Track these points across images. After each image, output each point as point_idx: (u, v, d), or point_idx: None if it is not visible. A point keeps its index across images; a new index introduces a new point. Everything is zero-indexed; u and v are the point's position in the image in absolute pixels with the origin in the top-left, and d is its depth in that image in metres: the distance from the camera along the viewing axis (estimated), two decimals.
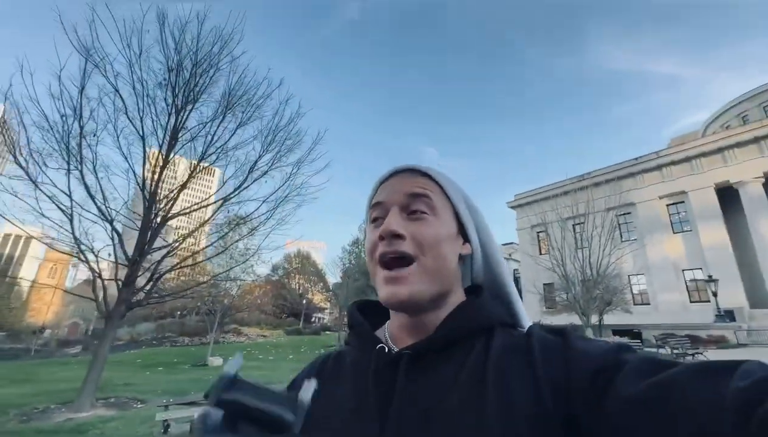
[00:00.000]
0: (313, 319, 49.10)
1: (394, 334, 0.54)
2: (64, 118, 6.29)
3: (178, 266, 7.35)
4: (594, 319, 19.56)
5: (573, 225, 24.66)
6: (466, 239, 0.57)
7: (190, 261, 7.64)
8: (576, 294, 18.83)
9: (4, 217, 5.73)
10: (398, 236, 0.50)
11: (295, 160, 8.10)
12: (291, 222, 8.67)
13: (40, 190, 5.87)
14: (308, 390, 0.36)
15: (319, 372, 0.56)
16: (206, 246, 7.79)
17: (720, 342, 18.99)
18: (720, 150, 25.45)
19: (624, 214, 29.39)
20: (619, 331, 23.37)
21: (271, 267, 44.51)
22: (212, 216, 7.62)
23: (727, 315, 21.25)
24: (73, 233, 5.96)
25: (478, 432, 0.38)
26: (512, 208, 36.69)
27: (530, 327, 0.50)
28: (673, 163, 27.38)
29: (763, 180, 23.74)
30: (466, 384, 0.43)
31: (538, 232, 34.13)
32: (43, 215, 5.99)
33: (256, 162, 7.67)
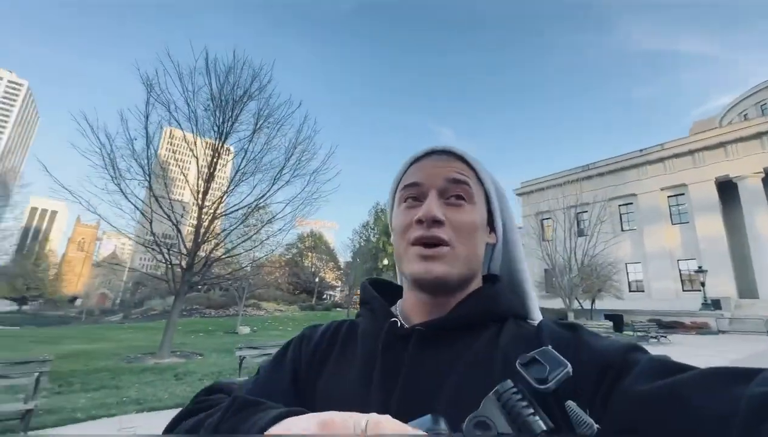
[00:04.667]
0: (324, 296, 50.56)
1: (406, 312, 0.54)
2: (133, 142, 8.31)
3: (226, 256, 9.53)
4: (578, 304, 21.30)
5: (576, 213, 26.06)
6: (492, 228, 0.57)
7: (231, 253, 9.89)
8: (562, 280, 20.52)
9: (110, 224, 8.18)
10: (438, 222, 0.49)
11: (312, 170, 10.04)
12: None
13: (130, 202, 7.95)
14: None
15: (332, 340, 0.55)
16: (243, 241, 9.90)
17: (702, 329, 20.01)
18: (722, 144, 25.86)
19: (626, 204, 30.31)
20: (610, 316, 24.28)
21: (285, 247, 46.59)
22: (247, 216, 9.64)
23: (713, 304, 22.47)
24: (152, 232, 8.02)
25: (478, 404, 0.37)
26: (519, 195, 37.83)
27: (542, 321, 0.50)
28: (676, 155, 27.82)
29: (763, 175, 24.32)
30: (472, 365, 0.43)
31: (542, 220, 34.87)
32: (133, 218, 8.22)
33: (280, 170, 9.62)
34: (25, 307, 44.75)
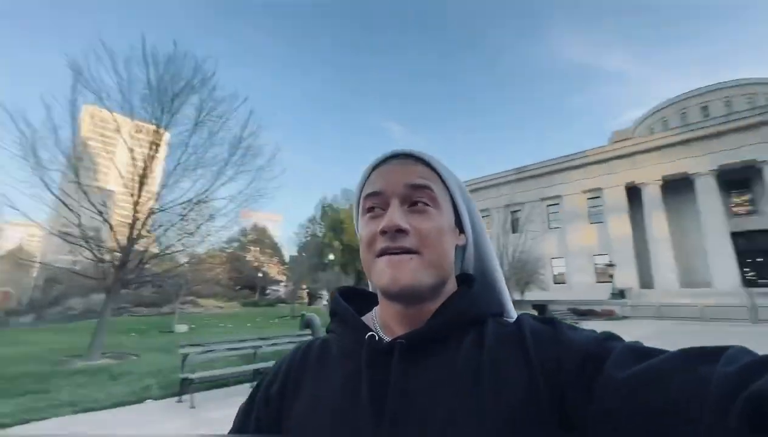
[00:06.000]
0: (267, 292, 48.79)
1: (384, 321, 0.52)
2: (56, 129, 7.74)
3: (164, 253, 9.11)
4: (516, 296, 23.42)
5: (511, 212, 28.38)
6: (461, 229, 0.56)
7: (170, 249, 9.38)
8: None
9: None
10: (402, 231, 0.47)
11: (256, 167, 10.00)
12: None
13: (55, 196, 7.35)
14: None
15: (304, 361, 0.53)
16: (182, 238, 9.50)
17: (610, 315, 22.80)
18: (632, 154, 29.56)
19: (553, 205, 33.31)
20: (536, 306, 26.48)
21: (226, 240, 44.16)
22: (187, 212, 9.30)
23: (619, 294, 25.88)
24: (80, 226, 7.50)
25: (475, 423, 0.38)
26: None
27: (520, 317, 0.50)
28: (595, 162, 31.21)
29: (661, 182, 28.26)
30: (462, 376, 0.42)
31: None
32: (49, 206, 7.58)
33: (223, 167, 9.49)
34: None
